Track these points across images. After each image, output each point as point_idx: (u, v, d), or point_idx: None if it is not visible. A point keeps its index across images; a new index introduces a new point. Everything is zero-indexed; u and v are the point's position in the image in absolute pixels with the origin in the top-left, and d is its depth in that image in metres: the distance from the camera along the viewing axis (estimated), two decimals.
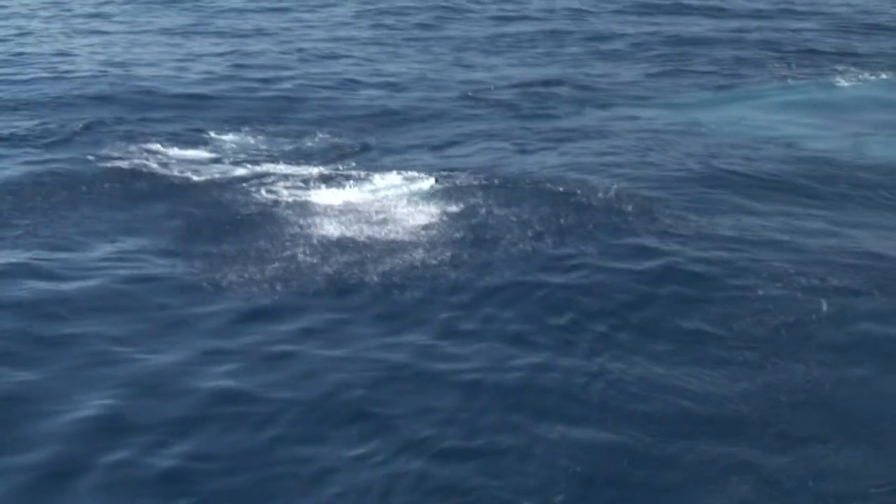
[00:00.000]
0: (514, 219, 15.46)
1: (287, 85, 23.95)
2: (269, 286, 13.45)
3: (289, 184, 17.04)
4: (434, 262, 14.05)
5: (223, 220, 15.65)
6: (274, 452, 10.25)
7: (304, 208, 15.98)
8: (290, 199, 16.35)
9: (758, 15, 31.70)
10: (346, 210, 15.90)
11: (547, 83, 24.12)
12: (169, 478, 9.92)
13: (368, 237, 14.85)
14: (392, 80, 24.52)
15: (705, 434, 10.48)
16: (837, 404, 10.99)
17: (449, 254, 14.29)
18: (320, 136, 20.00)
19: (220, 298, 13.23)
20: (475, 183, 16.91)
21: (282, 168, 17.91)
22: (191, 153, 18.76)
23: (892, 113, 21.77)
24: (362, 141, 19.71)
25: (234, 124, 20.64)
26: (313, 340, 12.31)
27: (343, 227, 15.19)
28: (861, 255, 14.38)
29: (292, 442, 10.42)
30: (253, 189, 16.82)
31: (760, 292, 13.14)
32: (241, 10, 33.10)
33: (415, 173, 17.40)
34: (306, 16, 32.79)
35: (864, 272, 13.80)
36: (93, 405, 10.97)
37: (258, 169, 17.88)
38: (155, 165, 17.93)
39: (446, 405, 10.96)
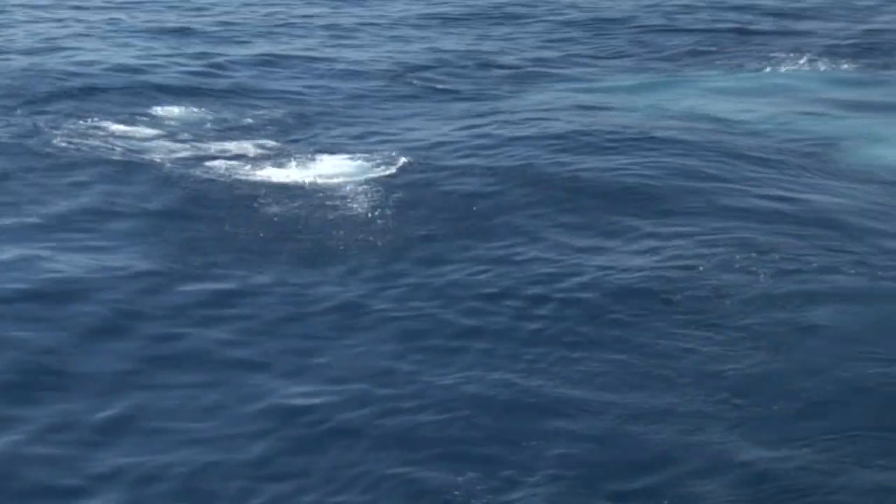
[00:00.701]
0: (457, 197, 15.76)
1: (231, 62, 24.04)
2: (207, 257, 13.69)
3: (232, 162, 17.17)
4: (376, 237, 14.29)
5: (165, 197, 15.74)
6: (215, 412, 10.40)
7: (246, 186, 16.13)
8: (233, 176, 16.49)
9: None
10: (288, 187, 16.08)
11: (485, 65, 24.45)
12: (108, 429, 10.09)
13: (308, 213, 15.06)
14: (335, 60, 24.67)
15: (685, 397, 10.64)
16: (793, 371, 11.10)
17: (389, 228, 14.55)
18: (263, 113, 20.12)
19: (157, 268, 13.38)
20: (420, 163, 17.16)
21: (225, 146, 18.03)
22: (135, 130, 18.82)
23: (821, 94, 22.42)
24: (305, 120, 19.86)
25: (178, 101, 20.66)
26: (251, 305, 12.50)
27: (283, 205, 15.37)
28: (809, 219, 14.82)
29: (233, 401, 10.56)
30: (196, 166, 16.93)
31: (705, 264, 13.43)
32: None
33: (360, 153, 17.62)
34: None
35: (811, 239, 14.14)
36: (30, 360, 11.19)
37: (202, 146, 17.99)
38: (98, 143, 17.96)
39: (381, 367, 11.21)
